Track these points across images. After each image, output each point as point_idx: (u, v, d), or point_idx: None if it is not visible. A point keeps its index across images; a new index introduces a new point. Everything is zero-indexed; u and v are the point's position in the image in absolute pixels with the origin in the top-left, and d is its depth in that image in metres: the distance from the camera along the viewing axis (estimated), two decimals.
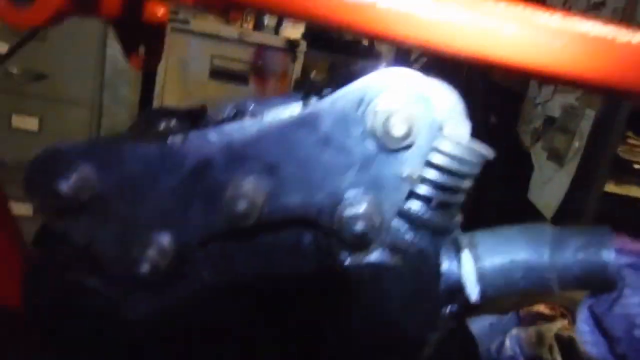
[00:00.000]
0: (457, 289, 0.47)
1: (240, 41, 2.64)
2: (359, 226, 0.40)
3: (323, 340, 0.46)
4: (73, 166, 0.41)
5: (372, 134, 0.39)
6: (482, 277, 0.47)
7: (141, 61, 0.61)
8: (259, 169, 0.41)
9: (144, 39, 0.60)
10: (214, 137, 0.45)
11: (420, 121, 0.39)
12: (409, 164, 0.40)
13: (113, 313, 0.43)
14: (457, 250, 0.48)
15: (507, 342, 0.92)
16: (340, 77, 0.45)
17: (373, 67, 0.52)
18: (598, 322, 0.45)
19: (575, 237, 0.46)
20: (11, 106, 2.63)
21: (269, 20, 2.77)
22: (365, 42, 3.20)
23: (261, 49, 2.68)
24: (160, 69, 2.63)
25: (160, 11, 0.58)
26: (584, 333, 0.45)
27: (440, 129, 0.45)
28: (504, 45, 0.39)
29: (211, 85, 2.69)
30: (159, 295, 0.43)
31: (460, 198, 0.49)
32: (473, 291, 0.47)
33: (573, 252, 0.45)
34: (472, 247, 0.48)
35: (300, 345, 0.47)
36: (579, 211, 2.06)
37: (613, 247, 0.44)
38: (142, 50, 0.61)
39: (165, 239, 0.42)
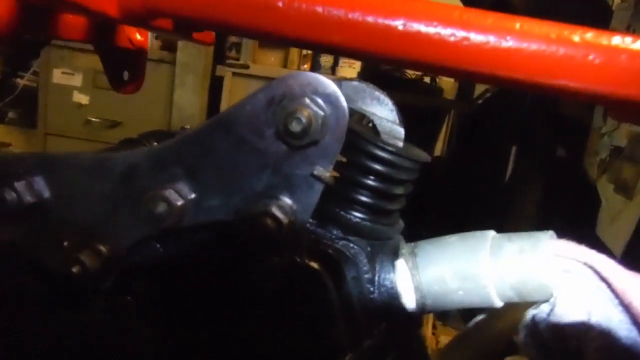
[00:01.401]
0: (392, 297, 0.45)
1: None
2: (270, 226, 0.40)
3: (239, 344, 0.45)
4: (17, 176, 0.44)
5: (280, 134, 0.40)
6: (418, 286, 0.45)
7: (125, 86, 0.65)
8: (180, 173, 0.43)
9: (126, 65, 0.64)
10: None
11: (323, 120, 0.39)
12: (317, 163, 0.40)
13: None
14: (395, 258, 0.46)
15: None
16: None
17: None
18: (537, 333, 0.41)
19: (512, 242, 0.43)
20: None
21: (325, 61, 2.84)
22: (427, 79, 3.19)
23: None
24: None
25: (137, 37, 0.62)
26: (526, 345, 0.42)
27: (358, 132, 0.45)
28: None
29: None
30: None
31: (399, 204, 0.48)
32: (409, 300, 0.45)
33: (508, 259, 0.42)
34: (411, 255, 0.46)
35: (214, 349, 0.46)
36: None
37: (549, 252, 0.41)
38: (126, 75, 0.65)
39: (96, 243, 0.44)
